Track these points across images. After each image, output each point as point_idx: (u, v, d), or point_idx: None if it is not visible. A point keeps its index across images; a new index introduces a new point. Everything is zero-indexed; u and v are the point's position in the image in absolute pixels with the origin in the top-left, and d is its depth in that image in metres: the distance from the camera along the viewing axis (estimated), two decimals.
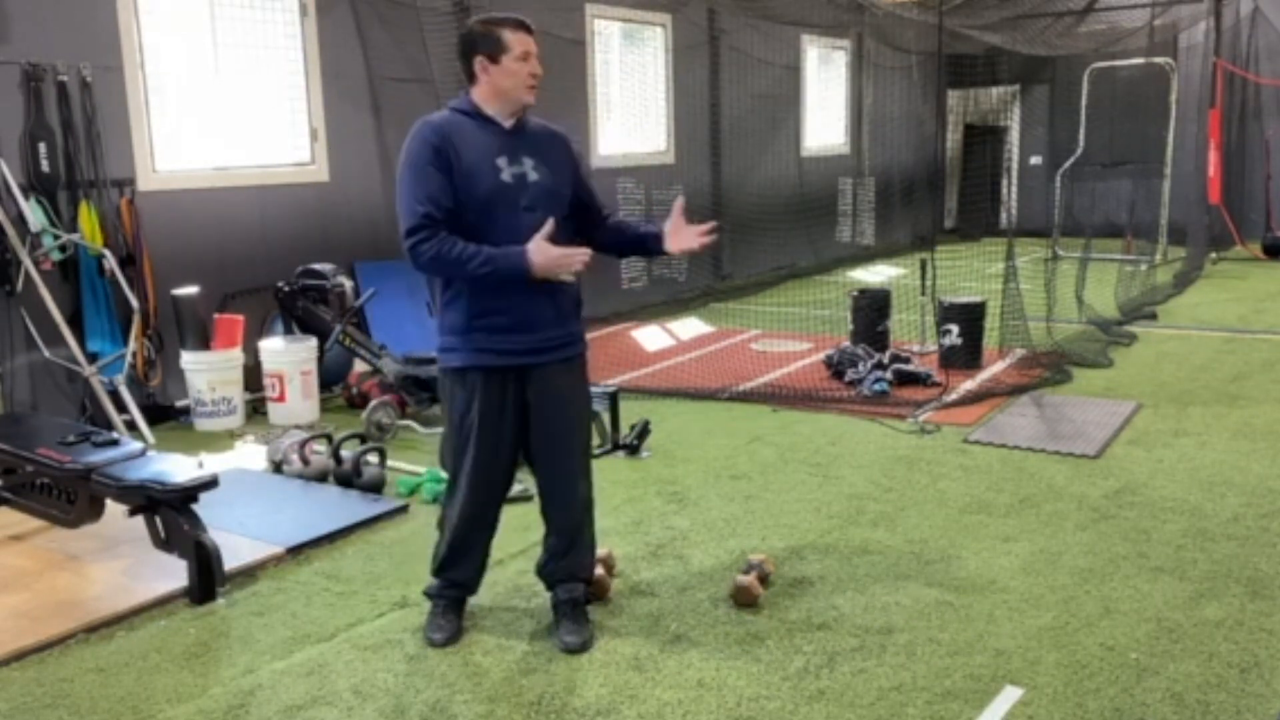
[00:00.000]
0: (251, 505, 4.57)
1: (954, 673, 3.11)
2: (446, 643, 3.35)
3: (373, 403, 5.70)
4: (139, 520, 3.81)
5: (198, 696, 3.09)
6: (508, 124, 3.20)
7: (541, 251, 3.06)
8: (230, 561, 3.81)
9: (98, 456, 3.89)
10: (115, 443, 4.05)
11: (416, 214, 3.06)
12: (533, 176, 3.18)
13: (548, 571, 3.46)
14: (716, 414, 6.09)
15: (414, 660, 3.27)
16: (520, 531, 4.09)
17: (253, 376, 6.26)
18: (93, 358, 5.72)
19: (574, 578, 3.42)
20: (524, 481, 4.27)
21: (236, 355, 6.09)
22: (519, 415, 3.27)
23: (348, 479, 4.81)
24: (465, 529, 3.37)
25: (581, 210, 3.36)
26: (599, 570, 3.64)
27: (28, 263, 5.43)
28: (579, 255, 3.12)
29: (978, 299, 7.13)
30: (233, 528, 4.21)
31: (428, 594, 3.49)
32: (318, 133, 6.97)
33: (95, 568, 3.98)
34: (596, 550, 3.53)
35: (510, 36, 3.16)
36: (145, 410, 5.86)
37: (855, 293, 7.48)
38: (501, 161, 3.15)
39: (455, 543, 3.39)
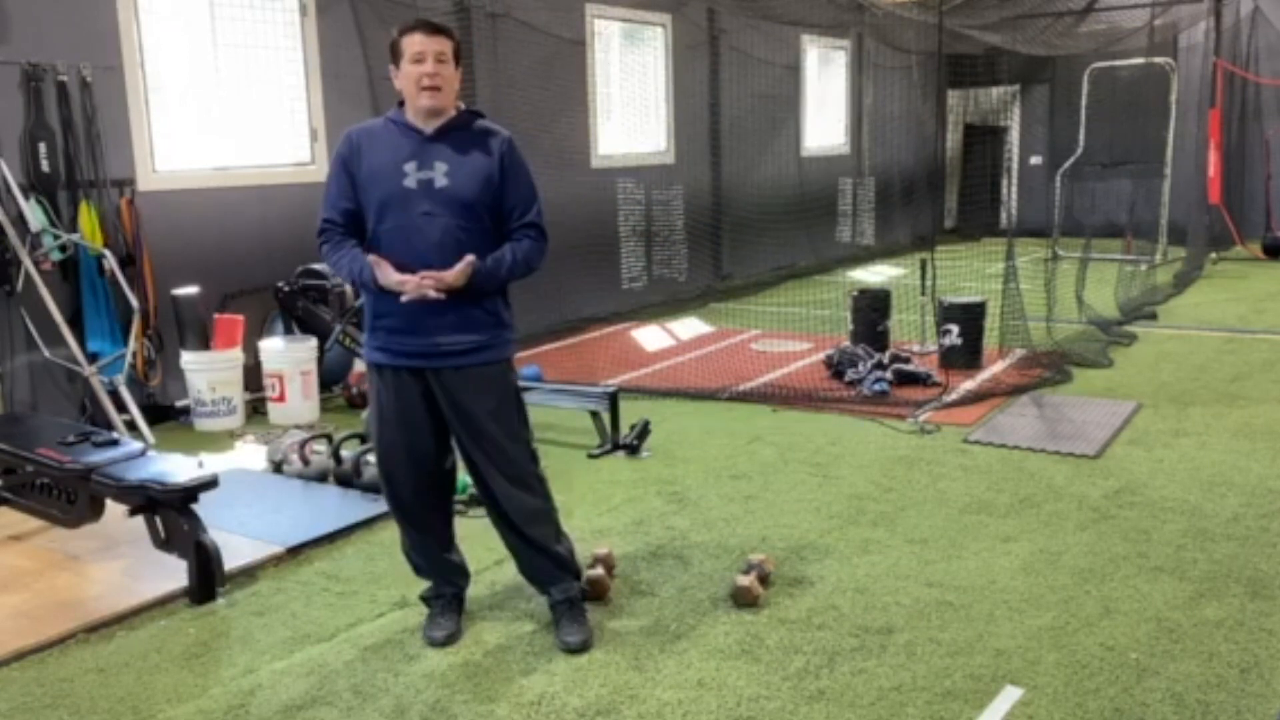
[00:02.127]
0: (251, 505, 4.57)
1: (954, 673, 3.11)
2: (446, 642, 3.36)
3: None
4: (139, 520, 3.81)
5: (198, 696, 3.09)
6: (428, 129, 3.17)
7: (379, 267, 3.10)
8: (230, 561, 3.81)
9: (98, 456, 3.89)
10: (115, 443, 4.05)
11: (321, 218, 3.26)
12: (441, 183, 3.13)
13: (528, 577, 3.49)
14: (716, 414, 6.09)
15: (414, 660, 3.27)
16: None
17: (253, 376, 6.26)
18: (93, 358, 5.72)
19: (562, 579, 3.41)
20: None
21: (236, 355, 6.09)
22: (421, 417, 3.26)
23: (348, 479, 4.81)
24: (402, 528, 3.45)
25: (501, 218, 3.24)
26: (599, 570, 3.64)
27: (28, 263, 5.43)
28: (409, 285, 3.06)
29: (978, 299, 7.13)
30: (233, 528, 4.21)
31: (422, 598, 3.53)
32: (318, 133, 6.96)
33: (95, 568, 3.99)
34: (573, 549, 3.49)
35: (404, 41, 3.14)
36: (145, 410, 5.86)
37: (855, 293, 7.48)
38: (409, 167, 3.14)
39: (406, 544, 3.48)
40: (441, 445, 3.34)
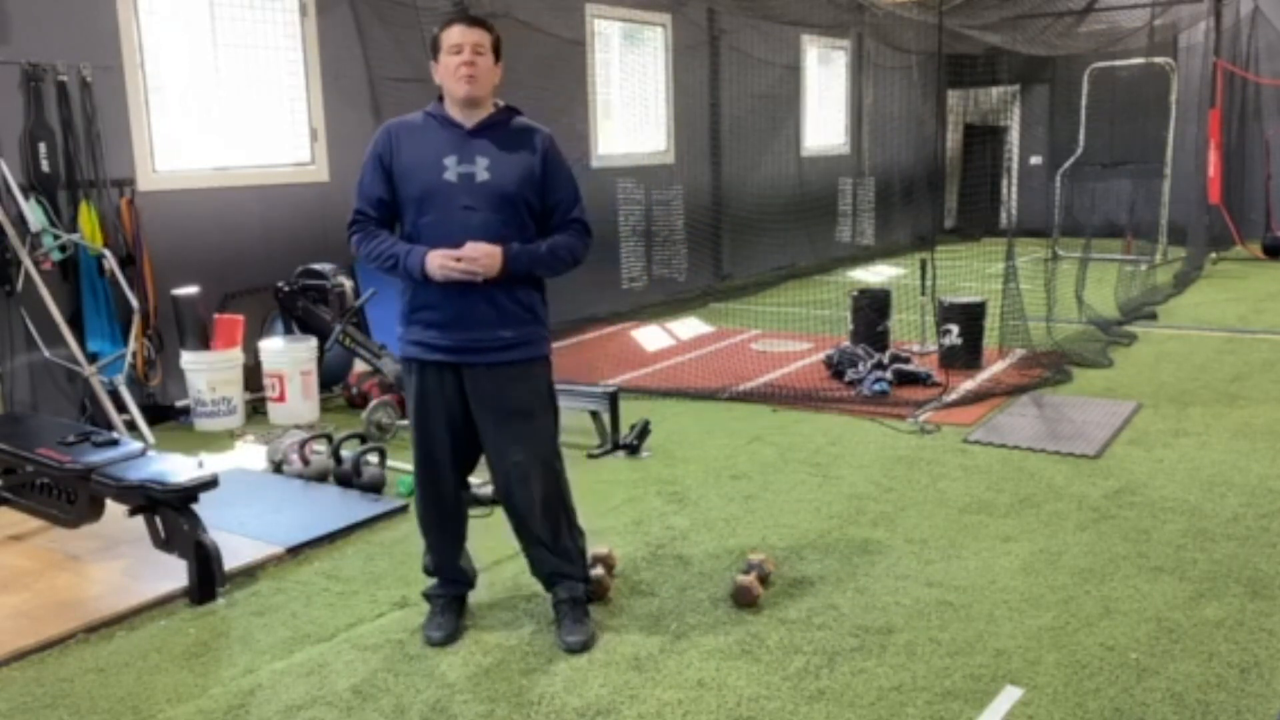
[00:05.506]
0: (251, 505, 4.57)
1: (954, 673, 3.11)
2: (445, 641, 3.36)
3: (373, 403, 5.70)
4: (139, 520, 3.81)
5: (198, 696, 3.09)
6: (469, 124, 3.19)
7: (434, 257, 3.10)
8: (230, 561, 3.81)
9: (98, 456, 3.89)
10: (115, 443, 4.05)
11: (354, 210, 3.29)
12: (482, 176, 3.16)
13: (536, 574, 3.48)
14: (716, 414, 6.09)
15: (414, 660, 3.27)
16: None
17: (253, 376, 6.26)
18: (93, 358, 5.72)
19: (570, 576, 3.42)
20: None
21: (236, 355, 6.09)
22: (459, 412, 3.28)
23: (348, 479, 4.81)
24: (426, 523, 3.45)
25: (543, 215, 3.27)
26: (599, 570, 3.64)
27: (28, 263, 5.43)
28: (457, 264, 3.07)
29: (978, 299, 7.13)
30: (233, 528, 4.21)
31: (425, 594, 3.53)
32: (318, 133, 6.96)
33: (95, 568, 3.98)
34: (585, 548, 3.50)
35: (443, 33, 3.18)
36: (145, 410, 5.86)
37: (855, 293, 7.48)
38: (449, 161, 3.16)
39: (427, 540, 3.48)
40: (476, 443, 3.36)
